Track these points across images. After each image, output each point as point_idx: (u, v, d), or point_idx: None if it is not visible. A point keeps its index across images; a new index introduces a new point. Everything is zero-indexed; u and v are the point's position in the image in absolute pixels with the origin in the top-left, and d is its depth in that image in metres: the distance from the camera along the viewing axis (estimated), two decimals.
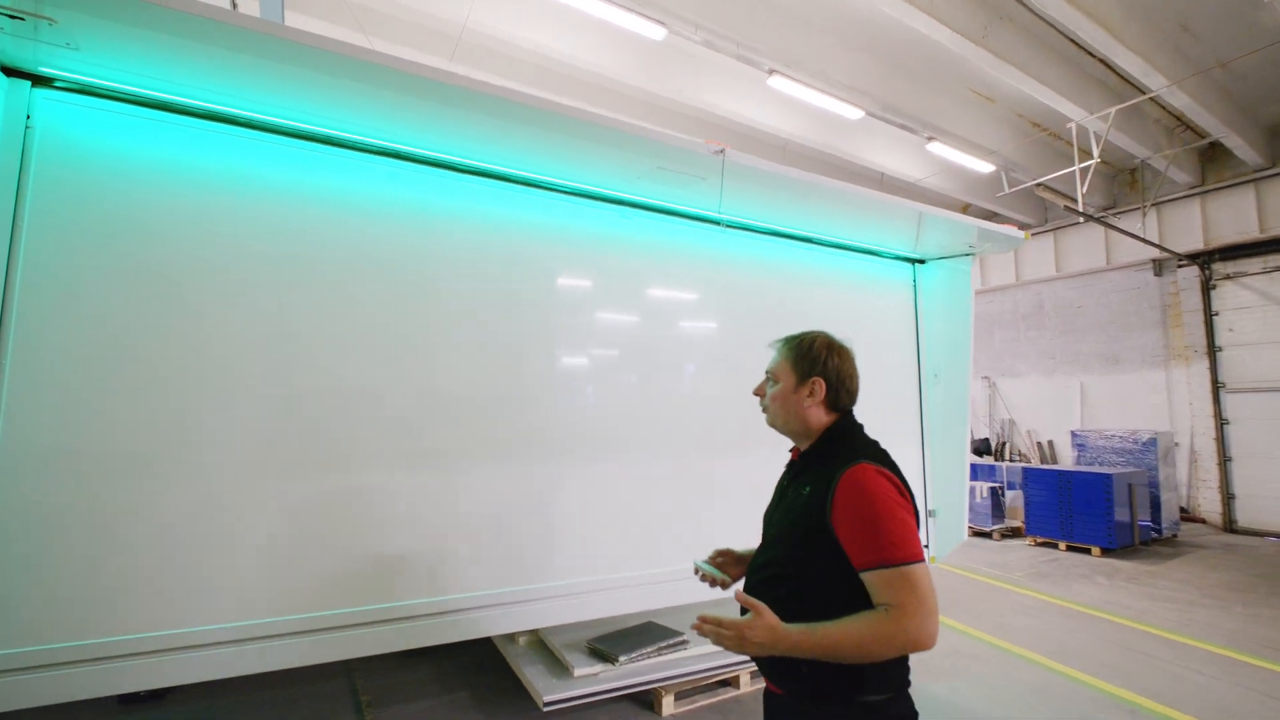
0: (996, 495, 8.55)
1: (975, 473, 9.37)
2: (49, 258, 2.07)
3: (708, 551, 1.75)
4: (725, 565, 1.72)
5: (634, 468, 3.21)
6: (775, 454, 1.75)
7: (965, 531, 3.80)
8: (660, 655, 3.36)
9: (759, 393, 1.62)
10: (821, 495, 1.39)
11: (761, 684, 1.67)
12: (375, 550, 2.57)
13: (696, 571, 1.71)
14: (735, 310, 3.59)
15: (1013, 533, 8.46)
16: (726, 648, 1.31)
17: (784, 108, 7.84)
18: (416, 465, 2.67)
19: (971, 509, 8.64)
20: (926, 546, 4.05)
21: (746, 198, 3.25)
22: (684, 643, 3.46)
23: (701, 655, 3.42)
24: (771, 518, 1.60)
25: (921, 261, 4.20)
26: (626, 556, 3.14)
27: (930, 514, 4.03)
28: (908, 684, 1.40)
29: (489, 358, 2.82)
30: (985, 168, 8.95)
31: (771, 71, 6.77)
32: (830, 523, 1.35)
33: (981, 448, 12.02)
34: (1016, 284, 11.87)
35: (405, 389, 2.65)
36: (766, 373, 1.62)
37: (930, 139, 8.16)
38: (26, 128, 2.04)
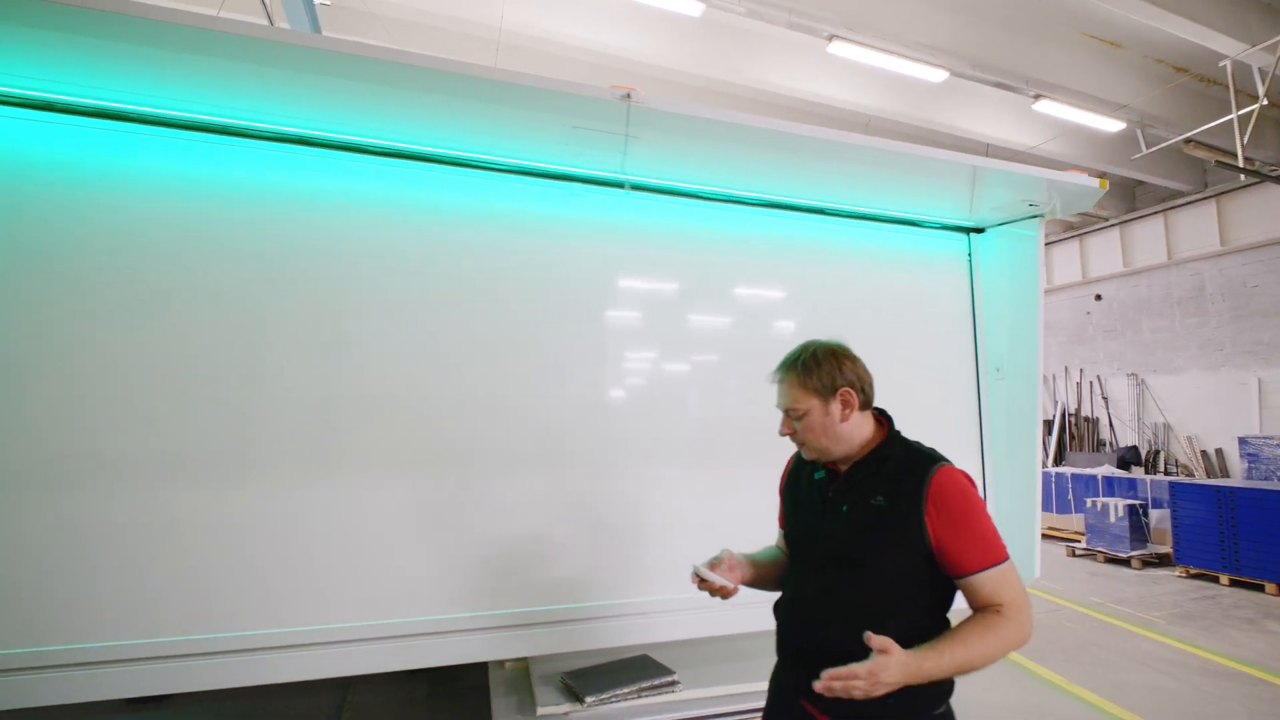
0: (1137, 515, 7.12)
1: (1111, 487, 7.91)
2: None
3: (707, 556, 1.61)
4: (727, 572, 1.58)
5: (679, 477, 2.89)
6: None
7: (1037, 565, 3.01)
8: (640, 698, 2.93)
9: (788, 432, 1.53)
10: (909, 504, 1.36)
11: None
12: (370, 564, 2.43)
13: (695, 578, 1.54)
14: (743, 300, 3.12)
15: (1158, 560, 7.00)
16: (858, 696, 1.23)
17: (855, 78, 7.07)
18: (421, 473, 2.54)
19: (1104, 531, 7.27)
20: None
21: (744, 164, 2.77)
22: (673, 684, 3.01)
23: (693, 700, 2.95)
24: (817, 533, 1.51)
25: (979, 230, 3.43)
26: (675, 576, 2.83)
27: None
28: (954, 686, 1.43)
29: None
30: (1113, 126, 7.57)
31: (831, 37, 6.10)
32: (926, 531, 1.33)
33: (1129, 457, 10.21)
34: (1169, 263, 9.99)
35: (420, 394, 2.51)
36: (784, 410, 1.52)
37: (1037, 97, 7.00)
38: None
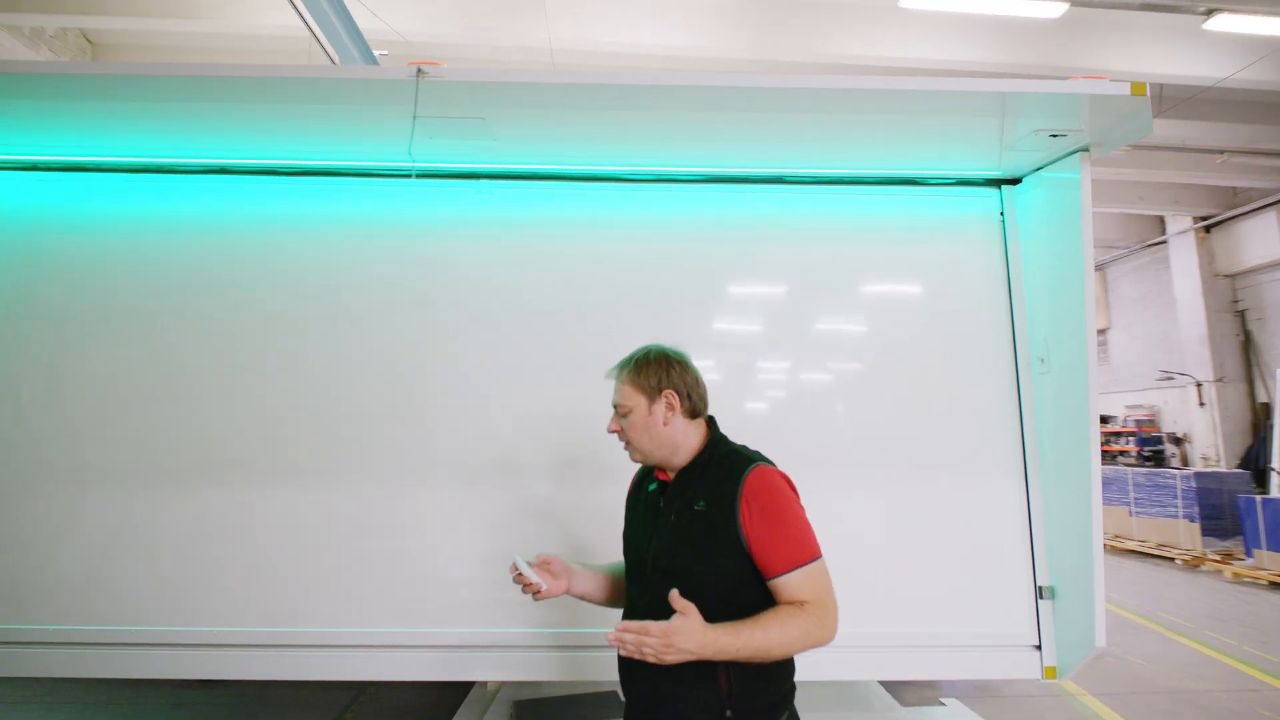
0: None
1: None
2: None
3: (533, 555, 1.61)
4: (546, 574, 1.58)
5: None
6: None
7: (1099, 630, 2.08)
8: None
9: (615, 429, 1.53)
10: (727, 507, 1.36)
11: None
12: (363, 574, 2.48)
13: (513, 569, 1.54)
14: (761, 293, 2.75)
15: None
16: (648, 657, 1.23)
17: (950, 31, 6.06)
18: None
19: None
20: (1038, 647, 2.40)
21: (714, 134, 2.44)
22: None
23: None
24: (647, 545, 1.49)
25: (1014, 181, 2.61)
26: None
27: (1042, 593, 2.38)
28: (794, 694, 1.45)
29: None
30: None
31: None
32: (741, 531, 1.34)
33: None
34: None
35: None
36: (613, 407, 1.53)
37: (1209, 13, 5.43)
38: None
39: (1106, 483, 8.37)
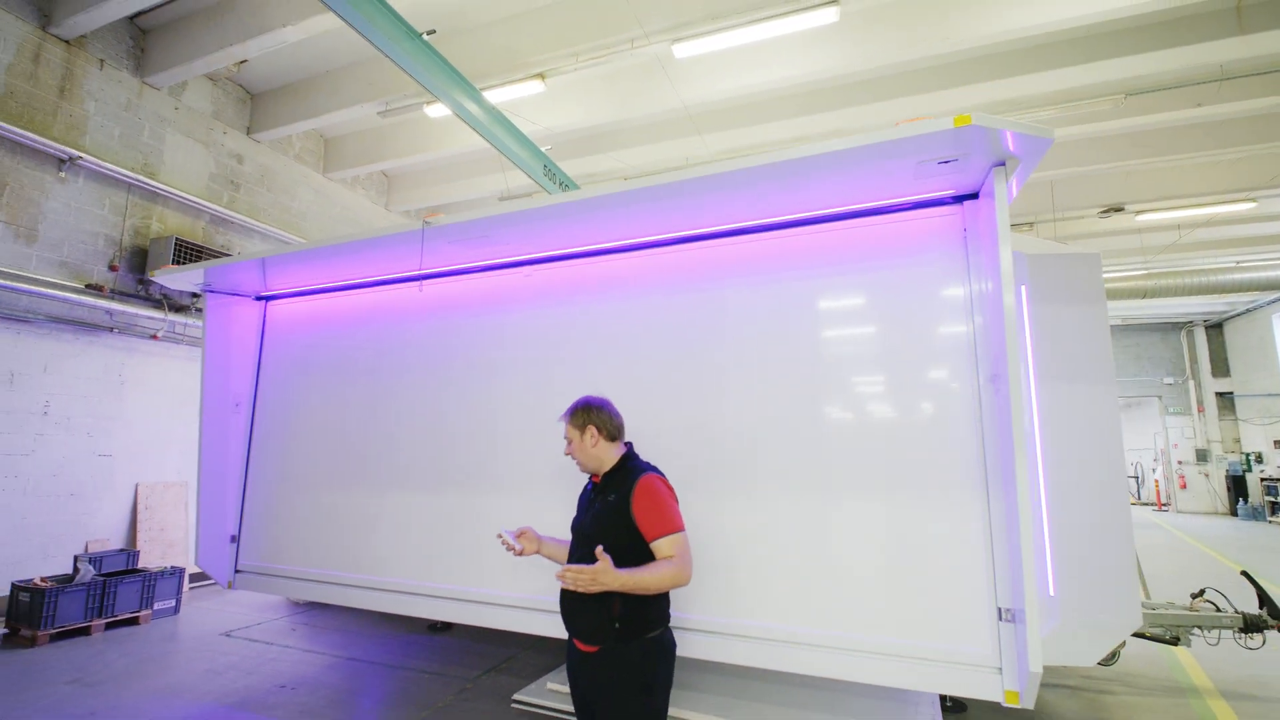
0: None
1: None
2: (271, 371, 4.31)
3: (514, 527, 2.36)
4: (524, 540, 2.34)
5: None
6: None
7: (1035, 655, 1.88)
8: None
9: (568, 452, 2.33)
10: (624, 498, 2.15)
11: None
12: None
13: (499, 537, 2.29)
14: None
15: None
16: (581, 588, 1.96)
17: None
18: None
19: None
20: (1000, 670, 2.25)
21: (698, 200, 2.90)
22: None
23: None
24: (583, 524, 2.28)
25: (973, 196, 2.46)
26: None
27: (1002, 615, 2.20)
28: (669, 619, 2.18)
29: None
30: None
31: None
32: (631, 513, 2.11)
33: None
34: None
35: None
36: (564, 439, 2.34)
37: None
38: (265, 317, 4.37)
39: None
